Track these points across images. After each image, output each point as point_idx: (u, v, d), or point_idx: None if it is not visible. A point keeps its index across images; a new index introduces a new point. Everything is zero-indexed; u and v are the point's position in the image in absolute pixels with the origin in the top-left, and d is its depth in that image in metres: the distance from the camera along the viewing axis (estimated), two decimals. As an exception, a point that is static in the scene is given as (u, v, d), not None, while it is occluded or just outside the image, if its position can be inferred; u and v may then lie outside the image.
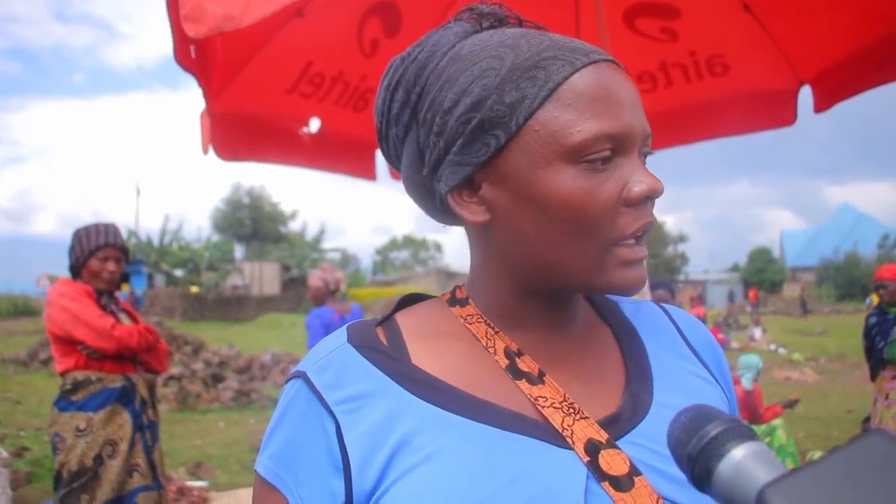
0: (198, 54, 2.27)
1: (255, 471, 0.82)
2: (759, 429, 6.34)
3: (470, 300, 0.89)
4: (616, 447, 0.76)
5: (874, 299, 5.92)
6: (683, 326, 0.97)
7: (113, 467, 3.57)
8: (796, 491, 0.44)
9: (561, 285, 0.82)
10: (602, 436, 0.77)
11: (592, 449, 0.75)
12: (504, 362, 0.82)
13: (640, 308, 0.98)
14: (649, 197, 0.77)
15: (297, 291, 37.99)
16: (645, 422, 0.80)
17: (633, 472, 0.74)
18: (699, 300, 30.22)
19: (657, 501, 0.73)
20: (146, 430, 3.78)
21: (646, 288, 2.92)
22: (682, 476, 0.73)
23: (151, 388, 3.94)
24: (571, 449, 0.75)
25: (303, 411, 0.80)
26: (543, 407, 0.78)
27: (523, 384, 0.81)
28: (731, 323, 27.11)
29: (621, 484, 0.73)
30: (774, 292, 52.12)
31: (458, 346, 0.85)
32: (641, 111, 0.79)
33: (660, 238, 68.86)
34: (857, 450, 0.45)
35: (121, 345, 3.66)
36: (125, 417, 3.68)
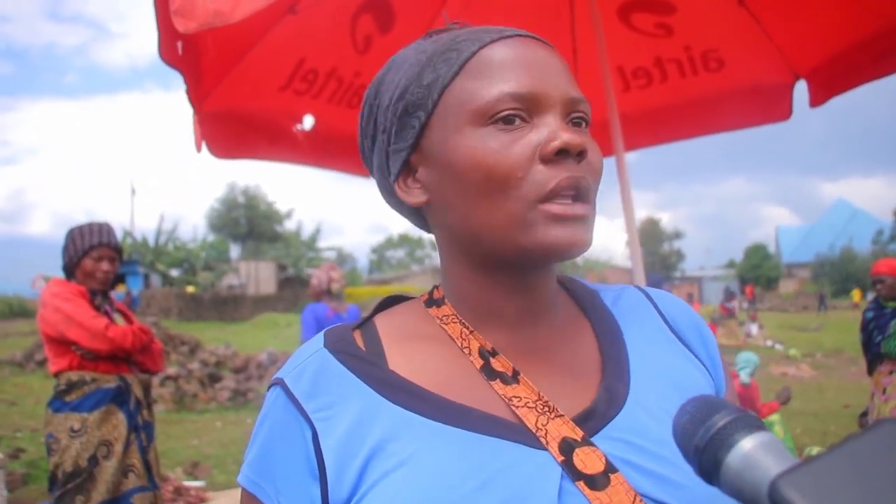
0: (186, 51, 2.25)
1: (238, 482, 0.84)
2: (756, 425, 6.35)
3: (445, 300, 0.89)
4: (591, 444, 0.75)
5: None
6: (666, 310, 0.95)
7: (108, 468, 3.55)
8: (810, 481, 0.43)
9: (496, 252, 0.81)
10: (577, 433, 0.76)
11: (567, 448, 0.75)
12: (479, 363, 0.82)
13: (621, 295, 0.97)
14: (564, 151, 0.77)
15: (293, 291, 37.99)
16: (621, 415, 0.79)
17: (609, 469, 0.73)
18: (690, 298, 30.29)
19: (634, 498, 0.72)
20: (141, 430, 3.76)
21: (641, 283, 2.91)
22: (659, 471, 0.73)
23: (146, 388, 3.91)
24: (545, 449, 0.75)
25: (281, 419, 0.81)
26: (517, 407, 0.78)
27: (497, 385, 0.80)
28: (725, 319, 27.11)
29: (596, 482, 0.72)
30: (770, 289, 52.26)
31: (434, 349, 0.85)
32: (562, 77, 0.81)
33: (656, 234, 69.04)
34: (870, 439, 0.44)
35: (115, 346, 3.64)
36: (120, 418, 3.66)
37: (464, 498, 0.71)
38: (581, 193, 0.78)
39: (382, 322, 0.90)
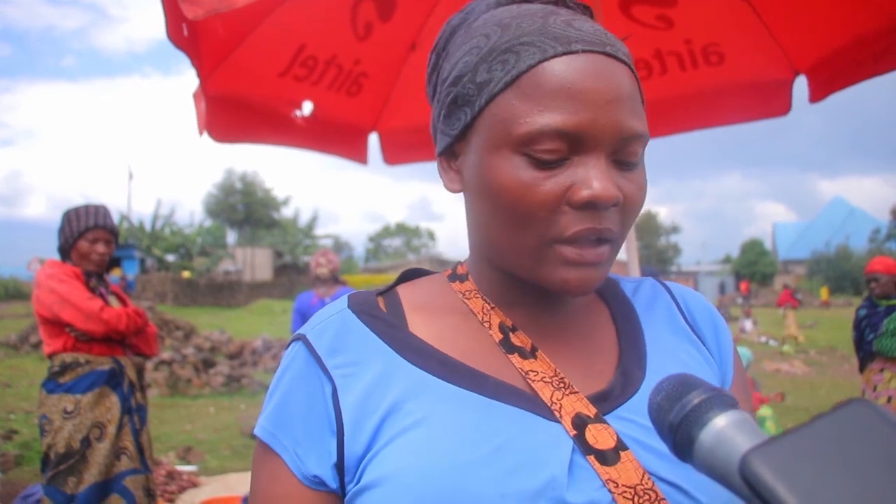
0: (190, 33, 2.25)
1: (254, 434, 0.83)
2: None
3: (469, 276, 0.91)
4: (604, 422, 0.77)
5: None
6: (682, 301, 0.97)
7: (100, 450, 3.55)
8: (779, 456, 0.44)
9: (512, 271, 0.82)
10: (590, 410, 0.77)
11: (580, 423, 0.76)
12: (498, 336, 0.84)
13: (640, 286, 0.99)
14: (592, 203, 0.74)
15: (289, 277, 38.01)
16: (635, 397, 0.81)
17: (620, 446, 0.75)
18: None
19: (643, 476, 0.73)
20: (134, 413, 3.77)
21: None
22: (669, 452, 0.74)
23: (140, 371, 3.92)
24: (559, 422, 0.76)
25: (301, 373, 0.82)
26: (534, 381, 0.79)
27: (515, 358, 0.82)
28: (722, 315, 27.18)
29: (607, 458, 0.74)
30: (766, 285, 52.34)
31: (455, 320, 0.87)
32: (622, 110, 0.75)
33: (653, 228, 69.07)
34: (840, 417, 0.45)
35: (109, 327, 3.64)
36: (113, 400, 3.67)
37: (477, 460, 0.72)
38: (602, 242, 0.77)
39: (405, 291, 0.92)
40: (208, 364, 11.75)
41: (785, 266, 62.83)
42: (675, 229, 72.93)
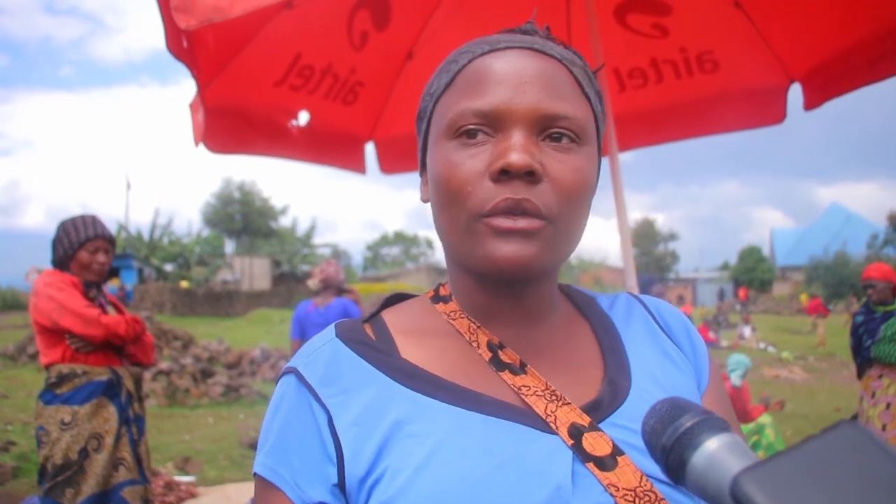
0: (190, 44, 2.26)
1: (254, 472, 0.84)
2: (748, 427, 6.36)
3: (452, 297, 0.93)
4: (599, 430, 0.79)
5: None
6: (657, 313, 1.00)
7: (98, 461, 3.54)
8: (770, 478, 0.45)
9: (465, 260, 0.85)
10: (584, 420, 0.79)
11: (576, 432, 0.78)
12: (487, 355, 0.86)
13: (615, 300, 1.02)
14: (505, 172, 0.78)
15: (287, 287, 37.96)
16: (626, 405, 0.83)
17: (617, 452, 0.77)
18: (680, 300, 30.47)
19: (641, 478, 0.75)
20: (132, 423, 3.76)
21: (633, 285, 2.91)
22: None
23: (138, 381, 3.91)
24: (555, 433, 0.78)
25: (295, 405, 0.83)
26: (527, 395, 0.81)
27: (506, 375, 0.83)
28: (720, 321, 27.19)
29: (605, 464, 0.76)
30: (764, 291, 52.34)
31: (443, 342, 0.88)
32: (540, 91, 0.80)
33: (650, 236, 69.11)
34: (829, 439, 0.46)
35: (109, 332, 3.64)
36: (111, 411, 3.66)
37: (483, 477, 0.74)
38: (529, 214, 0.78)
39: (390, 317, 0.94)
40: (207, 374, 11.72)
41: (783, 272, 62.81)
42: (672, 236, 72.93)
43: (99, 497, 3.52)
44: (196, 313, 30.22)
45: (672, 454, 0.56)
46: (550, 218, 0.79)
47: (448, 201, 0.82)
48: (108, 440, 3.60)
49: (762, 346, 20.23)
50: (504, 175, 0.78)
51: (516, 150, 0.78)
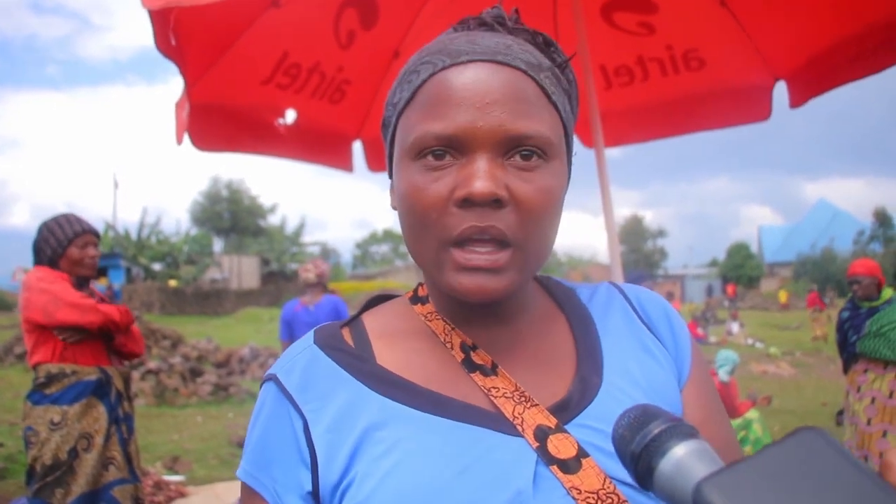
0: (178, 42, 2.25)
1: (237, 476, 0.87)
2: (735, 422, 6.40)
3: (429, 298, 0.94)
4: (564, 431, 0.79)
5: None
6: (637, 303, 0.99)
7: (88, 460, 3.54)
8: (731, 484, 0.46)
9: (430, 280, 0.87)
10: (551, 421, 0.80)
11: (541, 435, 0.79)
12: (460, 356, 0.87)
13: (595, 292, 1.01)
14: (468, 200, 0.77)
15: (276, 285, 37.88)
16: (594, 404, 0.84)
17: (581, 454, 0.78)
18: (670, 297, 30.66)
19: (604, 481, 0.76)
20: (122, 422, 3.76)
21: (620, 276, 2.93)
22: None
23: (127, 380, 3.91)
24: (521, 436, 0.79)
25: (274, 412, 0.85)
26: (496, 397, 0.82)
27: (477, 376, 0.85)
28: (708, 317, 27.30)
29: (569, 466, 0.77)
30: (752, 287, 52.58)
31: (419, 344, 0.90)
32: (504, 112, 0.78)
33: (639, 232, 69.28)
34: (790, 446, 0.47)
35: (106, 319, 3.67)
36: (101, 410, 3.66)
37: (446, 483, 0.75)
38: (496, 241, 0.78)
39: (369, 319, 0.95)
40: (195, 373, 11.68)
41: (771, 269, 63.10)
42: (661, 233, 73.18)
43: (89, 497, 3.52)
44: (185, 312, 30.13)
45: (640, 461, 0.56)
46: (517, 242, 0.79)
47: (415, 224, 0.81)
48: (98, 440, 3.60)
49: (750, 341, 20.32)
50: (467, 203, 0.77)
51: (480, 177, 0.76)
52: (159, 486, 5.97)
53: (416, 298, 0.96)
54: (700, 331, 20.79)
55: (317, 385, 0.84)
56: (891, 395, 5.38)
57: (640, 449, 0.56)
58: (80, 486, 3.50)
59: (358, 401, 0.82)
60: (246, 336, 18.89)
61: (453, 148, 0.78)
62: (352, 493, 0.77)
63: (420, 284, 0.98)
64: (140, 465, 3.98)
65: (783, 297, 38.49)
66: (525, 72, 0.81)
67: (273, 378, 0.87)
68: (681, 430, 0.56)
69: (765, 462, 0.46)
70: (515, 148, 0.79)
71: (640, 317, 0.97)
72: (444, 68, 0.81)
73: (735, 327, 22.57)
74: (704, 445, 0.54)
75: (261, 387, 0.90)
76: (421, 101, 0.81)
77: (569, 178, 0.90)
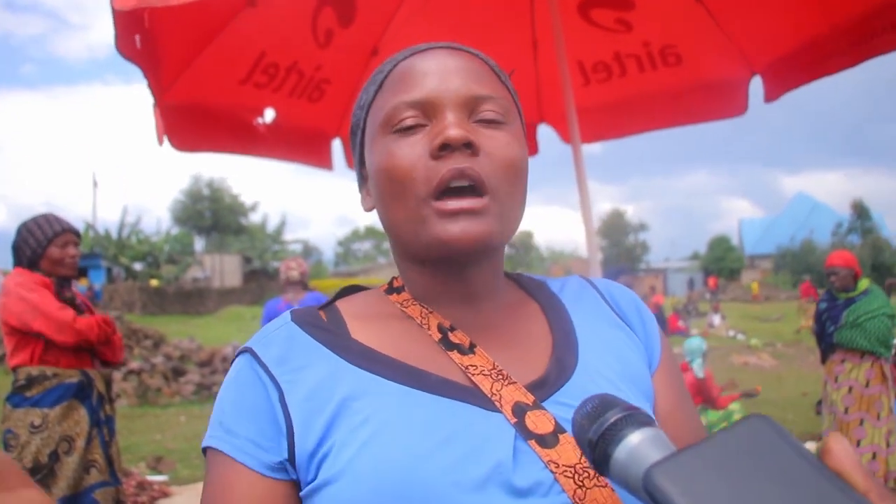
0: (145, 44, 2.24)
1: (205, 447, 0.86)
2: (717, 414, 6.45)
3: (405, 288, 0.96)
4: (542, 408, 0.82)
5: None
6: (608, 294, 1.03)
7: (69, 464, 3.52)
8: (679, 470, 0.47)
9: (410, 249, 0.90)
10: (528, 398, 0.82)
11: (519, 411, 0.81)
12: (437, 336, 0.89)
13: (566, 283, 1.05)
14: (445, 145, 0.83)
15: (258, 283, 37.76)
16: (570, 383, 0.86)
17: (558, 429, 0.80)
18: (652, 290, 30.89)
19: (581, 456, 0.78)
20: (103, 425, 3.73)
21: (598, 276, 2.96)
22: None
23: (108, 382, 3.89)
24: (500, 412, 0.81)
25: (249, 380, 0.85)
26: (473, 374, 0.84)
27: (455, 355, 0.86)
28: (690, 310, 27.51)
29: (547, 441, 0.79)
30: (733, 280, 52.95)
31: (395, 325, 0.92)
32: (465, 80, 0.87)
33: (620, 226, 69.55)
34: (738, 432, 0.48)
35: (81, 337, 3.61)
36: (82, 413, 3.63)
37: (427, 452, 0.76)
38: (475, 185, 0.83)
39: (344, 305, 0.96)
40: (178, 372, 11.64)
41: (751, 261, 63.54)
42: (643, 227, 73.46)
43: (70, 500, 3.49)
44: (166, 312, 29.94)
45: (597, 449, 0.58)
46: (492, 189, 0.84)
47: (394, 190, 0.86)
48: (79, 443, 3.57)
49: (731, 333, 20.48)
50: (444, 150, 0.83)
51: (453, 125, 0.83)
52: (143, 486, 5.94)
53: (391, 289, 0.98)
54: (682, 323, 20.93)
55: (294, 358, 0.85)
56: (867, 385, 5.46)
57: (596, 437, 0.58)
58: (60, 489, 3.47)
59: (336, 372, 0.83)
60: (229, 335, 18.82)
61: (423, 114, 0.86)
62: (329, 461, 0.77)
63: (394, 278, 0.99)
64: (122, 468, 3.97)
65: (755, 287, 38.86)
66: (478, 56, 0.93)
67: (248, 350, 0.88)
68: (636, 418, 0.57)
69: (712, 448, 0.48)
70: (478, 109, 0.87)
71: (610, 307, 1.01)
72: (406, 58, 0.91)
73: (717, 320, 22.73)
74: (659, 433, 0.56)
75: (233, 361, 0.90)
76: (388, 86, 0.90)
77: (526, 154, 0.95)
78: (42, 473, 3.45)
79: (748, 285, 43.08)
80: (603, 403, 0.61)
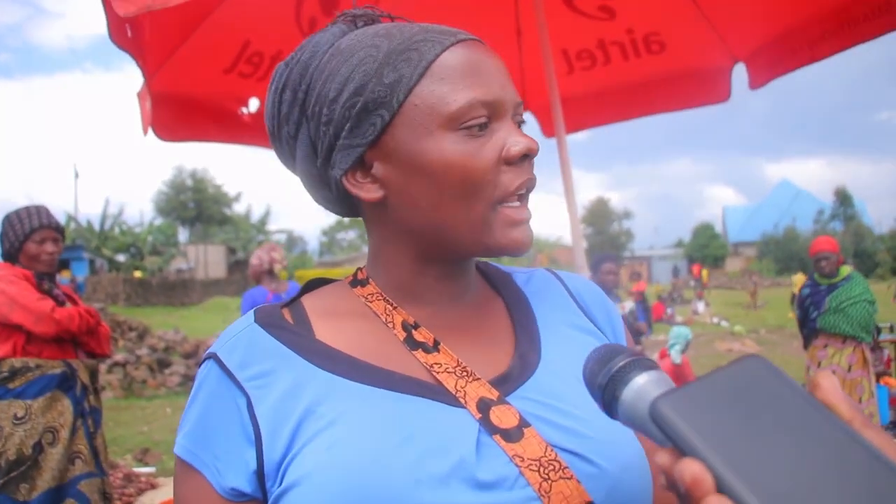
0: (134, 33, 2.23)
1: (174, 453, 0.86)
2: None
3: (370, 280, 0.95)
4: (506, 403, 0.83)
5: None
6: (573, 289, 1.05)
7: (53, 455, 3.51)
8: (682, 401, 0.51)
9: (456, 249, 0.88)
10: (493, 393, 0.83)
11: (484, 406, 0.82)
12: (402, 335, 0.89)
13: (532, 276, 1.06)
14: (527, 155, 0.85)
15: (242, 274, 37.55)
16: (533, 378, 0.87)
17: (523, 423, 0.81)
18: (637, 276, 31.03)
19: (545, 448, 0.79)
20: (88, 416, 3.72)
21: (583, 264, 2.97)
22: (568, 424, 0.82)
23: (93, 373, 3.87)
24: (464, 408, 0.81)
25: (215, 390, 0.85)
26: (438, 372, 0.85)
27: (419, 353, 0.87)
28: (675, 297, 27.66)
29: (511, 435, 0.80)
30: (717, 267, 53.29)
31: (359, 324, 0.91)
32: (510, 82, 0.88)
33: (605, 214, 69.75)
34: (737, 369, 0.53)
35: (61, 328, 3.59)
36: (66, 404, 3.62)
37: (389, 451, 0.76)
38: (529, 194, 0.88)
39: (309, 301, 0.95)
40: (163, 364, 11.60)
41: (735, 249, 63.98)
42: (627, 215, 73.78)
43: (55, 492, 3.48)
44: (150, 303, 29.79)
45: (606, 391, 0.62)
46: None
47: (465, 191, 0.84)
48: (64, 434, 3.56)
49: (716, 320, 20.65)
50: (524, 159, 0.86)
51: (523, 135, 0.86)
52: (130, 478, 5.94)
53: (355, 282, 0.97)
54: (667, 311, 21.06)
55: (259, 363, 0.84)
56: (850, 369, 5.53)
57: (605, 380, 0.62)
58: (45, 480, 3.46)
59: (301, 377, 0.83)
60: (214, 326, 18.76)
61: (491, 113, 0.84)
62: (294, 467, 0.77)
63: (359, 269, 0.98)
64: (107, 459, 3.95)
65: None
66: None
67: (213, 356, 0.86)
68: (642, 363, 0.62)
69: (713, 383, 0.52)
70: (517, 112, 0.89)
71: (576, 301, 1.03)
72: (452, 45, 0.85)
73: (701, 307, 22.90)
74: (663, 375, 0.60)
75: (199, 365, 0.89)
76: (443, 73, 0.84)
77: None
78: (26, 465, 3.44)
79: (733, 273, 43.34)
80: (610, 351, 0.64)
